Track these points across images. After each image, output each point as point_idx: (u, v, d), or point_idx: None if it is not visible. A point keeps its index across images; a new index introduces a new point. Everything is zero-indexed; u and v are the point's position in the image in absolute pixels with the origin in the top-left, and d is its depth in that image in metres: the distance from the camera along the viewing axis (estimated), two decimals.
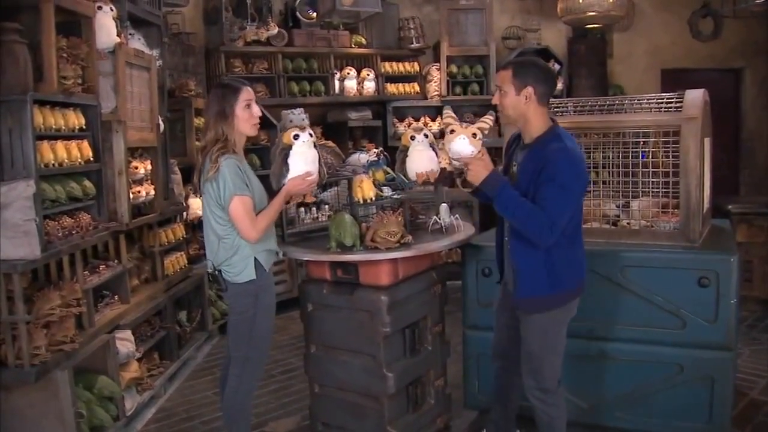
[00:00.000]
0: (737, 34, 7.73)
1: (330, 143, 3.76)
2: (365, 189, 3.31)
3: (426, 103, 7.28)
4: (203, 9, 6.48)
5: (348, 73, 6.81)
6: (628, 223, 3.54)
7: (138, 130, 4.19)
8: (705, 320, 3.16)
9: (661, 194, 3.47)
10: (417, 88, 7.26)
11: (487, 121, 2.97)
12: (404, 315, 3.24)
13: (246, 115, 3.00)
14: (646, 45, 7.89)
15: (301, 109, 3.51)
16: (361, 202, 3.31)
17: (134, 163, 4.15)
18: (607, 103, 3.63)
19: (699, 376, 3.21)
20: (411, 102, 7.24)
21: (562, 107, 3.73)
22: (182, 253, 5.02)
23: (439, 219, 3.44)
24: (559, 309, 2.82)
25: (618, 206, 3.64)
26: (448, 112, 3.03)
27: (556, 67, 7.36)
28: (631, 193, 3.51)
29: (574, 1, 6.44)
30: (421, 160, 3.41)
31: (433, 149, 3.51)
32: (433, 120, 7.08)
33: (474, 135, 2.83)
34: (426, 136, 3.48)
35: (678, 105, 3.37)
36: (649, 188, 3.50)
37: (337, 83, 6.77)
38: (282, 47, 6.43)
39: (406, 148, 3.50)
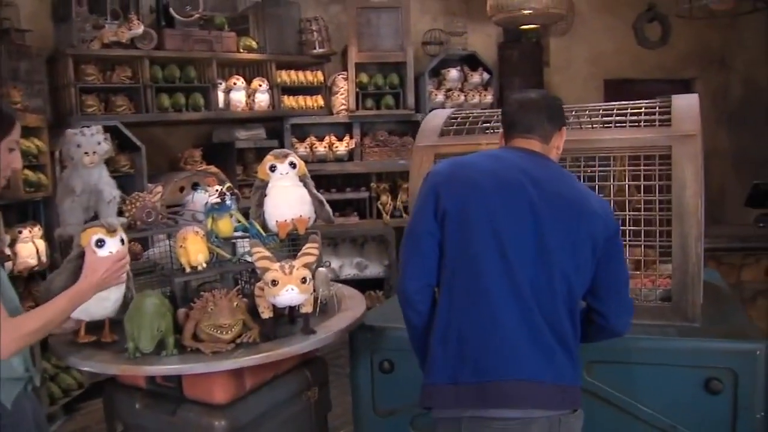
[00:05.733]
0: (687, 40, 6.94)
1: (213, 168, 3.23)
2: (191, 251, 2.13)
3: (332, 119, 6.15)
4: (51, 2, 5.20)
5: (235, 84, 5.63)
6: None
7: None
8: None
9: (643, 246, 2.36)
10: (321, 102, 6.12)
11: (312, 251, 2.09)
12: None
13: (9, 159, 1.83)
14: (587, 52, 7.00)
15: (98, 127, 2.31)
16: (188, 270, 2.15)
17: None
18: None
19: None
20: (314, 118, 6.10)
21: (490, 123, 2.63)
22: None
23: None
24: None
25: None
26: (259, 249, 2.05)
27: (485, 76, 6.37)
28: None
29: None
30: (285, 202, 2.38)
31: (305, 184, 2.42)
32: (340, 139, 5.96)
33: (303, 280, 1.98)
34: (293, 165, 2.38)
35: (664, 118, 2.30)
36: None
37: (221, 96, 5.56)
38: (150, 51, 5.16)
39: (265, 184, 2.41)
